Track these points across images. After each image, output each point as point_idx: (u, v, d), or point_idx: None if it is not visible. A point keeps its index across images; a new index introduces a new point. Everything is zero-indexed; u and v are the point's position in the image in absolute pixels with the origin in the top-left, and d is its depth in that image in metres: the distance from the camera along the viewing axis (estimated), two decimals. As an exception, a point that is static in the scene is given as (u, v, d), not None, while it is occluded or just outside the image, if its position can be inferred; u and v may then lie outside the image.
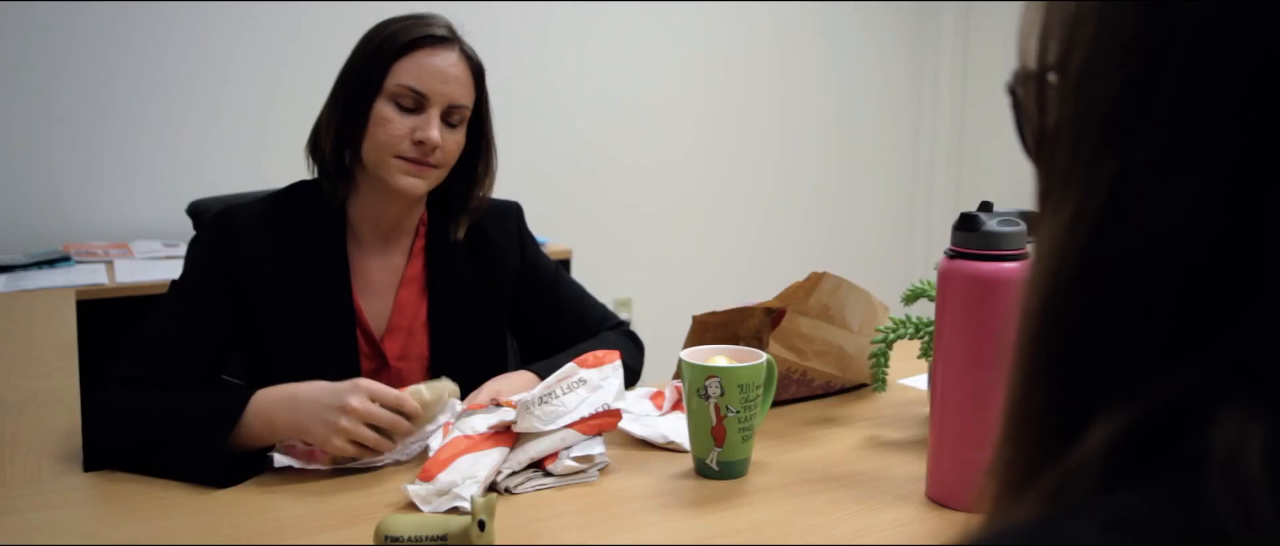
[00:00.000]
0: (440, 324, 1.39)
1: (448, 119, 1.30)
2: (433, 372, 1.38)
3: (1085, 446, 0.33)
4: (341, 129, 1.31)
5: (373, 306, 1.38)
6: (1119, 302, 0.33)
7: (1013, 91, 0.40)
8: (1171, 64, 0.32)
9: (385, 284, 1.39)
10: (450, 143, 1.31)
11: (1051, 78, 0.37)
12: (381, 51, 1.28)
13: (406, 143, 1.28)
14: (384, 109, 1.28)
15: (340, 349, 1.33)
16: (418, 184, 1.30)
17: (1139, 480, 0.31)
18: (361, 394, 1.11)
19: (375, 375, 1.35)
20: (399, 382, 1.35)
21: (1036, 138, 0.38)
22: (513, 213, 1.50)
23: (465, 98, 1.31)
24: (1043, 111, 0.37)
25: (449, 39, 1.32)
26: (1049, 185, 0.37)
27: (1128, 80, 0.33)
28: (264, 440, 1.14)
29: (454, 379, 1.32)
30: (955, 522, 1.00)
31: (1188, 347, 0.32)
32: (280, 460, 1.12)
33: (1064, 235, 0.35)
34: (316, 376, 1.24)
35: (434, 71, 1.28)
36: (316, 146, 1.34)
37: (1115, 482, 0.32)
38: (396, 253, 1.40)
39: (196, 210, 1.71)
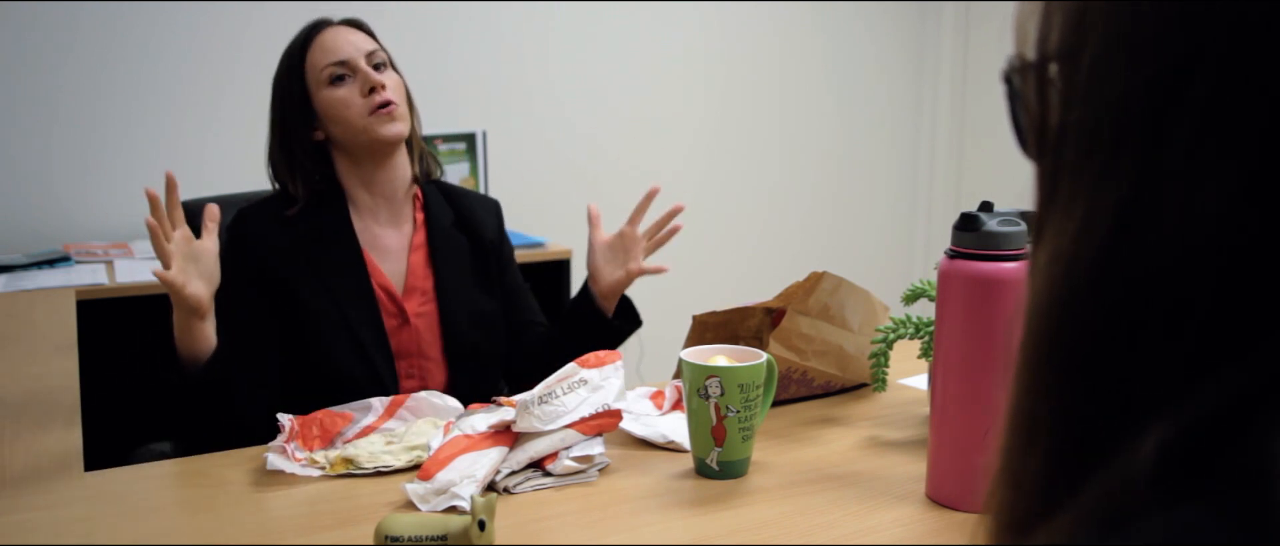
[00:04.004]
0: (445, 284, 1.54)
1: (374, 66, 1.47)
2: (444, 327, 1.53)
3: (1131, 461, 0.31)
4: (305, 147, 1.47)
5: (390, 269, 1.53)
6: (1143, 310, 0.32)
7: (1009, 80, 0.38)
8: (1204, 61, 0.30)
9: (398, 249, 1.54)
10: (390, 82, 1.47)
11: (1052, 69, 0.35)
12: (293, 66, 1.47)
13: (365, 100, 1.44)
14: (331, 94, 1.45)
15: (363, 302, 1.47)
16: (396, 126, 1.45)
17: (1190, 495, 0.30)
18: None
19: (399, 330, 1.51)
20: (418, 338, 1.51)
21: (1036, 133, 0.36)
22: (494, 205, 1.69)
23: (372, 43, 1.50)
24: (1043, 104, 0.36)
25: (328, 22, 1.50)
26: (1054, 185, 0.35)
27: (1151, 78, 0.31)
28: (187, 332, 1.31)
29: (458, 334, 1.53)
30: (955, 522, 1.00)
31: (1222, 357, 0.30)
32: (273, 462, 1.12)
33: (1076, 240, 0.33)
34: (348, 333, 1.45)
35: (337, 42, 1.46)
36: (281, 170, 1.50)
37: (1164, 498, 0.30)
38: (404, 222, 1.55)
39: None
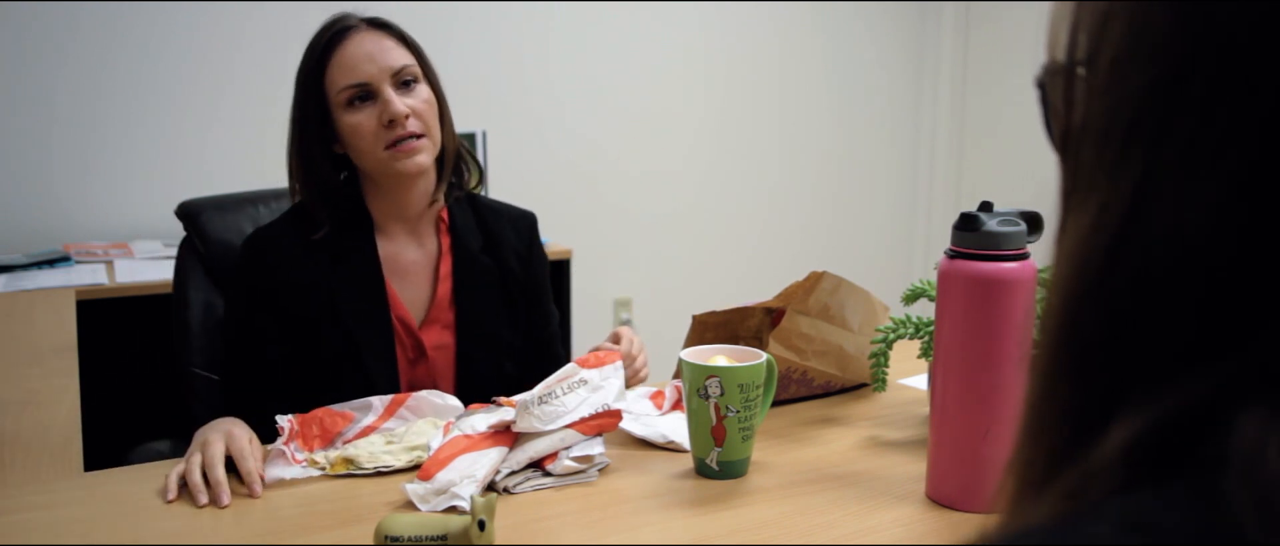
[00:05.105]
0: (466, 320, 1.42)
1: (401, 84, 1.33)
2: (459, 364, 1.42)
3: (1105, 447, 0.32)
4: (323, 162, 1.36)
5: (410, 296, 1.41)
6: (1141, 304, 0.33)
7: (1041, 85, 0.39)
8: (1201, 65, 0.31)
9: (419, 273, 1.42)
10: (418, 103, 1.33)
11: (1080, 73, 0.36)
12: (310, 81, 1.34)
13: (383, 131, 1.31)
14: (349, 119, 1.32)
15: (380, 339, 1.36)
16: (417, 159, 1.33)
17: (1159, 481, 0.31)
18: (218, 440, 1.10)
19: (414, 365, 1.40)
20: (433, 372, 1.41)
21: (1063, 133, 0.38)
22: (527, 221, 1.54)
23: (401, 58, 1.34)
24: (1070, 107, 0.37)
25: (351, 26, 1.35)
26: (1073, 183, 0.36)
27: (1156, 80, 0.33)
28: None
29: (474, 373, 1.40)
30: (955, 522, 1.00)
31: (1210, 350, 0.31)
32: (273, 474, 1.10)
33: (1087, 235, 0.35)
34: (361, 373, 1.32)
35: (358, 57, 1.32)
36: (303, 186, 1.38)
37: (1135, 483, 0.32)
38: (427, 241, 1.43)
39: (186, 211, 1.61)
